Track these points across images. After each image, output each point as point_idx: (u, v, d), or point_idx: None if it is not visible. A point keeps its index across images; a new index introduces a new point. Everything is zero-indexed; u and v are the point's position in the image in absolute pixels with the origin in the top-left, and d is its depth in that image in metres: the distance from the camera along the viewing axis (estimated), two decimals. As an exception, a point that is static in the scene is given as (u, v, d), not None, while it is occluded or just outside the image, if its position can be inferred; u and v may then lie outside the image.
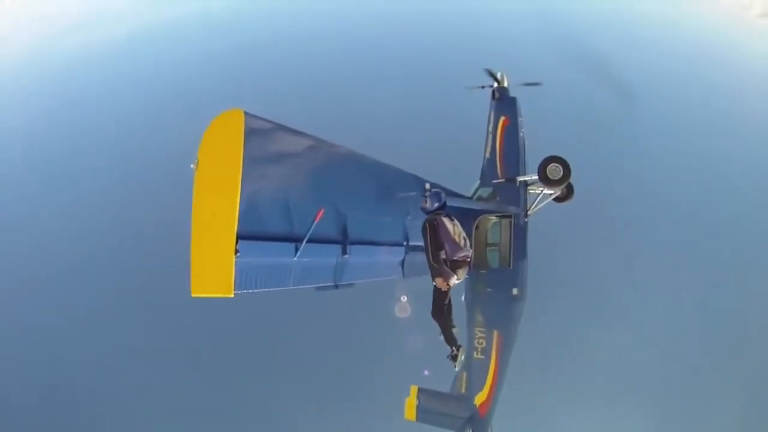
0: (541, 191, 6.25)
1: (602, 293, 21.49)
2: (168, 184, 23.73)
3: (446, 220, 5.20)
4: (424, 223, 5.12)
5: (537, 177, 5.86)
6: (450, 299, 5.42)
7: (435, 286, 5.19)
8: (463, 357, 5.56)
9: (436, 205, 5.19)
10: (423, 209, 5.26)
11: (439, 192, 5.26)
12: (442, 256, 5.05)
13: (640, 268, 22.33)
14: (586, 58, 31.09)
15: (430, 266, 5.05)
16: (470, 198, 6.73)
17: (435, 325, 5.48)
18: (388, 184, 5.50)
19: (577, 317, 20.68)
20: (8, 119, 29.75)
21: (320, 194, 4.51)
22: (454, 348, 5.39)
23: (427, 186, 5.36)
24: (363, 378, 18.06)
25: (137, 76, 32.19)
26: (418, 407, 6.13)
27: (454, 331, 5.52)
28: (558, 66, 30.41)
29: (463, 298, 6.23)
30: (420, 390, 6.21)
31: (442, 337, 5.51)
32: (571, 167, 5.67)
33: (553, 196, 6.36)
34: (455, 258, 5.10)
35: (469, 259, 5.28)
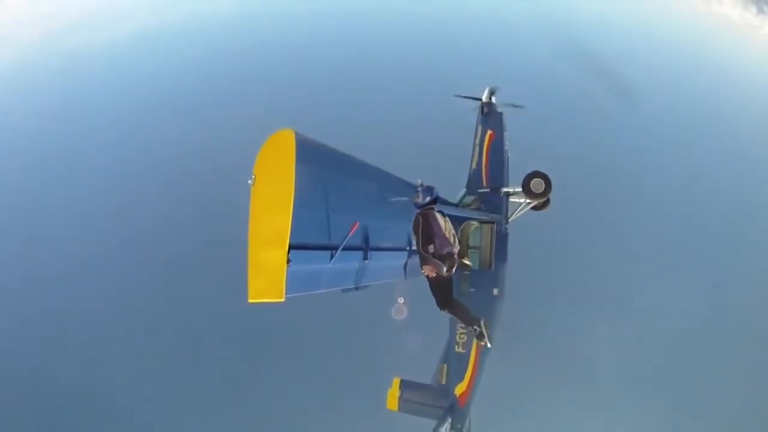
0: (524, 201, 6.86)
1: (603, 293, 21.85)
2: (171, 183, 23.73)
3: (438, 216, 5.53)
4: (417, 216, 5.45)
5: (521, 189, 6.47)
6: (450, 287, 5.68)
7: (430, 282, 5.53)
8: (489, 331, 5.68)
9: (428, 199, 5.53)
10: (415, 204, 5.58)
11: (431, 187, 5.61)
12: (431, 249, 5.35)
13: (640, 267, 22.72)
14: (590, 60, 31.97)
15: (420, 255, 5.40)
16: (456, 205, 7.23)
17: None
18: (395, 193, 5.94)
19: (577, 317, 20.93)
20: (16, 116, 29.84)
21: (351, 206, 5.07)
22: (476, 327, 5.57)
23: (419, 182, 5.76)
24: (351, 372, 18.30)
25: (142, 76, 32.42)
26: (400, 398, 6.41)
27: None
28: (559, 67, 31.58)
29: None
30: (402, 381, 6.50)
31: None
32: (552, 182, 6.27)
33: (531, 205, 6.94)
34: (443, 253, 5.40)
35: (455, 256, 5.55)
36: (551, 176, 6.48)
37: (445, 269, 5.37)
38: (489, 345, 5.75)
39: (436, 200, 5.58)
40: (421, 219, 5.42)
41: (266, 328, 19.55)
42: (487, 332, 5.55)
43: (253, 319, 19.68)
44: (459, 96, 8.22)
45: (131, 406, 18.53)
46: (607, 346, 19.90)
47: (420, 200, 5.53)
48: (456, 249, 5.57)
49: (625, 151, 27.36)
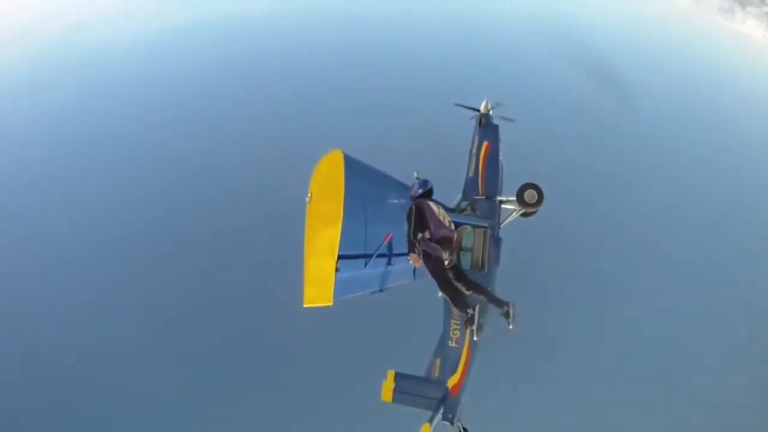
0: (516, 209, 7.33)
1: (602, 294, 21.82)
2: (178, 182, 24.01)
3: (432, 204, 5.90)
4: (411, 206, 5.80)
5: (515, 198, 6.92)
6: (460, 273, 6.01)
7: (429, 268, 5.87)
8: (479, 319, 5.71)
9: (420, 191, 5.99)
10: (411, 197, 5.98)
11: (426, 180, 6.10)
12: (427, 235, 5.63)
13: (640, 267, 22.73)
14: (590, 60, 32.74)
15: (408, 242, 5.73)
16: (453, 209, 7.72)
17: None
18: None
19: (574, 316, 21.03)
20: (38, 111, 29.86)
21: (381, 217, 5.67)
22: (469, 311, 5.72)
23: (416, 174, 6.28)
24: (346, 365, 18.55)
25: (166, 74, 32.97)
26: (394, 390, 6.65)
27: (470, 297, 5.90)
28: (558, 66, 32.40)
29: (440, 294, 6.92)
30: (396, 374, 6.75)
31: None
32: (544, 194, 6.75)
33: (520, 212, 7.46)
34: (440, 236, 5.70)
35: (452, 240, 5.85)
36: (544, 188, 6.96)
37: (445, 254, 5.65)
38: (476, 337, 6.01)
39: (429, 192, 5.99)
40: (413, 208, 5.74)
41: (260, 327, 19.78)
42: (477, 319, 5.77)
43: (245, 318, 20.10)
44: (459, 105, 8.72)
45: (130, 407, 18.55)
46: (603, 345, 20.33)
47: (414, 192, 5.97)
48: (454, 234, 5.88)
49: (633, 159, 27.90)
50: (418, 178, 6.17)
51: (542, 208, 6.85)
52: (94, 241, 22.98)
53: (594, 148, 27.90)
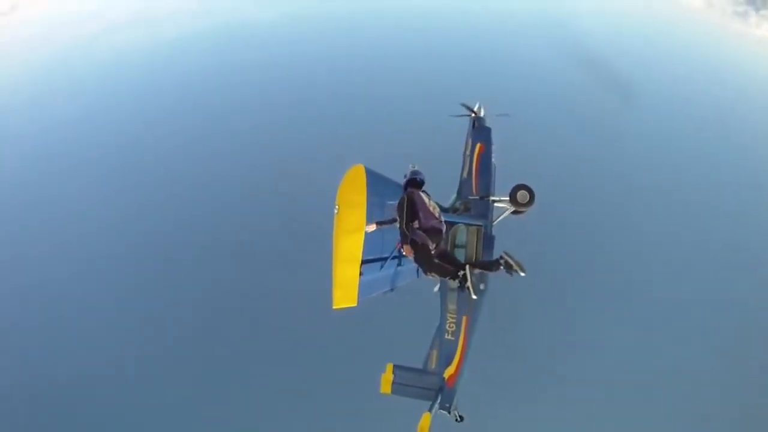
0: (509, 209, 7.60)
1: (602, 294, 22.07)
2: (185, 186, 24.52)
3: (423, 194, 6.14)
4: (402, 196, 6.05)
5: (507, 198, 7.19)
6: (449, 258, 6.23)
7: (415, 258, 6.11)
8: (471, 277, 5.81)
9: (406, 179, 6.32)
10: (402, 187, 6.27)
11: (416, 170, 6.40)
12: (416, 225, 5.85)
13: (641, 267, 23.05)
14: (598, 62, 33.04)
15: (401, 233, 5.95)
16: (448, 209, 8.03)
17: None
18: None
19: (576, 318, 21.20)
20: (55, 118, 30.47)
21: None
22: (460, 273, 5.87)
23: (410, 166, 6.58)
24: (346, 360, 18.91)
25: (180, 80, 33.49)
26: (393, 382, 6.83)
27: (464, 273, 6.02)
28: (558, 65, 32.76)
29: (436, 289, 7.25)
30: (395, 366, 6.93)
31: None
32: (536, 195, 7.00)
33: (511, 211, 7.73)
34: (429, 225, 5.93)
35: (440, 231, 6.07)
36: (535, 190, 7.25)
37: (432, 244, 5.88)
38: (474, 296, 6.17)
39: (418, 182, 6.25)
40: (405, 198, 5.98)
41: (259, 327, 20.28)
42: (470, 278, 5.92)
43: (245, 318, 20.66)
44: (456, 116, 9.06)
45: (133, 411, 18.90)
46: (602, 346, 20.51)
47: (403, 183, 6.29)
48: (443, 227, 6.15)
49: (618, 145, 28.17)
50: (411, 170, 6.51)
51: (533, 208, 7.11)
52: (109, 244, 23.56)
53: (596, 148, 28.08)
